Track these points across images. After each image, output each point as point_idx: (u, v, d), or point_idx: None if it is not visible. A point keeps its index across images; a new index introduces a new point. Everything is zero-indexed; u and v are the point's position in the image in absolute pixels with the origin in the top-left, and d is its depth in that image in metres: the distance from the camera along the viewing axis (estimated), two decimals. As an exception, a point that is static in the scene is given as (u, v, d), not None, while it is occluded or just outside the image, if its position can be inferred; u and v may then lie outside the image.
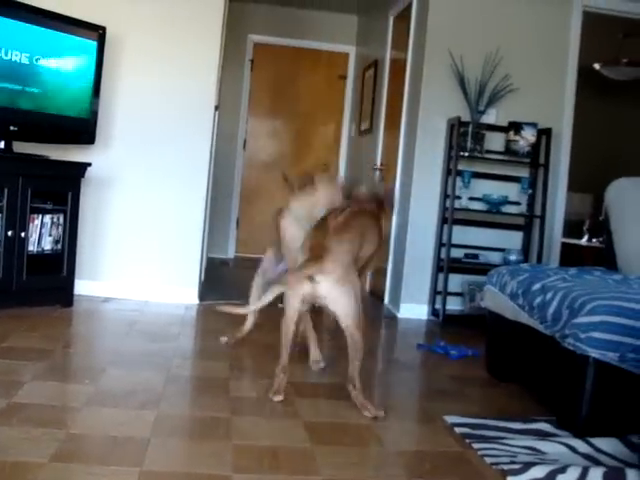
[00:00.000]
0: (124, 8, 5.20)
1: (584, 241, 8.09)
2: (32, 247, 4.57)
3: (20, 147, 4.64)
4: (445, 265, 5.40)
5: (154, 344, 3.98)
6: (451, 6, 5.60)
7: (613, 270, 3.86)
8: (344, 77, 8.72)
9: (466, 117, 5.47)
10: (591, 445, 2.81)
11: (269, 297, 3.24)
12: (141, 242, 5.13)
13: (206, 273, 5.91)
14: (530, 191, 5.64)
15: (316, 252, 3.04)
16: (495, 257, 5.55)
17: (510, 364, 3.75)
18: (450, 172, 5.46)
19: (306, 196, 3.74)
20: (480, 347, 4.12)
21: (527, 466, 2.48)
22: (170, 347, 3.93)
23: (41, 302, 4.62)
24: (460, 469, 2.55)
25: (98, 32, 4.85)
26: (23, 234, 4.45)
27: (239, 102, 8.57)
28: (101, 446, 2.46)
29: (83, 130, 4.89)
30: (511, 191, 5.65)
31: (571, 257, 6.55)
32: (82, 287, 5.05)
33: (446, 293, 5.39)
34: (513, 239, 5.72)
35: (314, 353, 3.75)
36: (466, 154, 5.43)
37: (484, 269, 4.66)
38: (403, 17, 6.29)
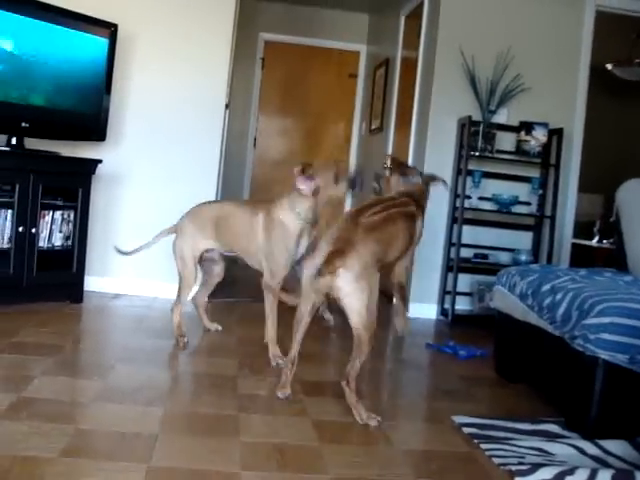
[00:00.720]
0: (136, 6, 5.22)
1: (595, 242, 8.05)
2: (42, 243, 4.59)
3: (31, 143, 4.67)
4: (455, 265, 5.39)
5: (163, 341, 3.99)
6: (463, 5, 5.59)
7: (624, 271, 3.85)
8: (355, 76, 8.71)
9: (477, 117, 5.45)
10: (600, 447, 2.80)
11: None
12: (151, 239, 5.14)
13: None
14: (541, 191, 5.63)
15: (341, 245, 2.97)
16: (505, 257, 5.53)
17: (519, 365, 3.74)
18: (460, 172, 5.45)
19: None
20: (489, 347, 4.12)
21: (535, 467, 2.48)
22: (179, 344, 3.93)
23: (51, 298, 4.64)
24: (468, 469, 2.55)
25: (110, 29, 4.87)
26: (34, 230, 4.47)
27: (250, 100, 8.57)
28: (109, 442, 2.47)
29: (94, 127, 4.91)
30: (521, 191, 5.63)
31: (581, 258, 6.52)
32: (92, 283, 5.07)
33: (455, 293, 5.38)
34: (523, 239, 5.70)
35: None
36: (477, 154, 5.42)
37: (494, 269, 4.66)
38: (414, 16, 6.28)
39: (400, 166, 3.86)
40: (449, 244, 5.51)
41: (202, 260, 4.08)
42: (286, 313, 3.81)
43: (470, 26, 5.58)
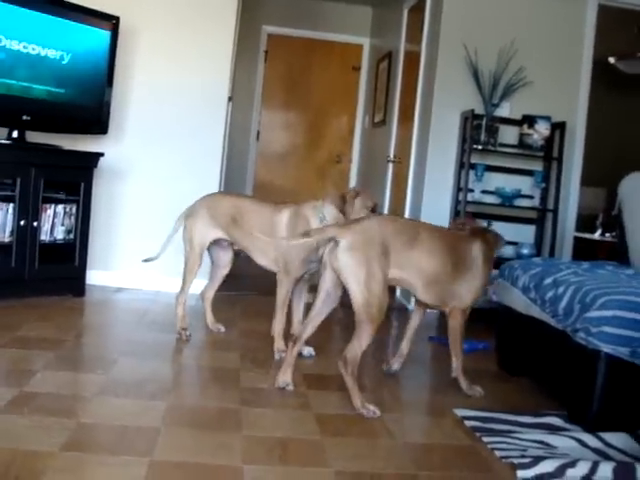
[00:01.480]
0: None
1: (597, 235, 8.03)
2: (44, 237, 4.59)
3: (33, 137, 4.67)
4: (457, 258, 5.37)
5: (165, 334, 3.99)
6: (466, -2, 5.58)
7: (626, 265, 3.84)
8: (358, 69, 8.70)
9: (480, 110, 5.44)
10: (601, 440, 2.80)
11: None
12: (153, 233, 5.12)
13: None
14: (543, 185, 5.62)
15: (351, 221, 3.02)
16: (508, 251, 5.52)
17: (521, 358, 3.74)
18: (463, 165, 5.44)
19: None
20: (491, 341, 4.12)
21: (537, 460, 2.48)
22: (182, 338, 3.93)
23: (53, 292, 4.64)
24: (469, 462, 2.55)
25: (112, 22, 4.86)
26: (35, 224, 4.47)
27: (253, 93, 8.56)
28: (112, 436, 2.47)
29: (96, 120, 4.91)
30: (524, 185, 5.62)
31: (584, 251, 6.51)
32: (94, 277, 5.08)
33: (458, 286, 5.37)
34: (526, 233, 5.69)
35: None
36: (479, 147, 5.41)
37: (497, 263, 4.64)
38: (417, 9, 6.27)
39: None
40: (452, 238, 5.50)
41: (210, 248, 4.07)
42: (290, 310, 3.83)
43: (473, 19, 5.56)
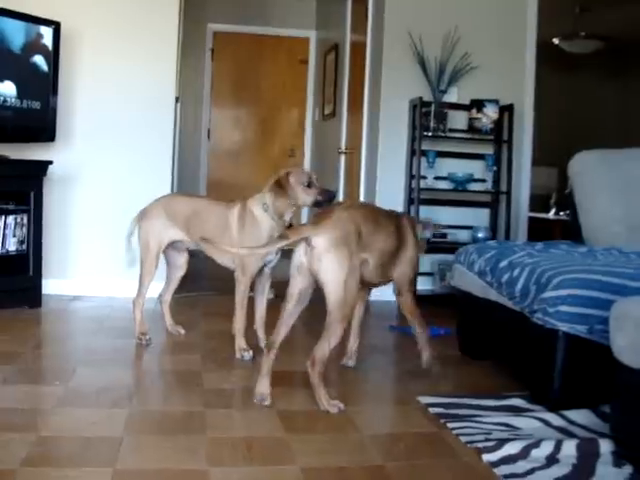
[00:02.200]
0: (79, 3, 5.14)
1: (551, 215, 8.15)
2: (-4, 249, 4.51)
3: (-22, 148, 4.58)
4: (414, 246, 5.39)
5: (125, 340, 3.94)
6: (408, -14, 5.59)
7: (579, 243, 3.89)
8: (305, 62, 8.69)
9: (428, 97, 5.47)
10: (564, 418, 2.83)
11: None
12: (107, 238, 5.08)
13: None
14: (495, 168, 5.66)
15: (318, 219, 2.94)
16: (463, 235, 5.57)
17: (482, 342, 3.77)
18: (414, 152, 5.46)
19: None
20: (452, 326, 4.13)
21: (501, 442, 2.50)
22: (142, 342, 3.89)
23: (8, 304, 4.55)
24: (435, 449, 2.56)
25: (52, 28, 4.77)
26: (-14, 236, 4.39)
27: (201, 92, 8.51)
28: (73, 447, 2.43)
29: (43, 128, 4.82)
30: (476, 169, 5.66)
31: (539, 231, 6.59)
32: (50, 286, 4.99)
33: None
34: (480, 216, 5.74)
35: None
36: (430, 134, 5.44)
37: (453, 248, 4.67)
38: (361, -1, 6.27)
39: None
40: (408, 225, 5.52)
41: (166, 250, 4.03)
42: (252, 306, 3.81)
43: (416, 7, 5.58)
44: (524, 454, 2.43)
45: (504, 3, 5.71)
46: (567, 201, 4.32)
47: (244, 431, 2.68)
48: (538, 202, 7.41)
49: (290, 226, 3.68)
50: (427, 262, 5.62)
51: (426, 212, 5.50)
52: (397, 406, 3.14)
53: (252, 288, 3.82)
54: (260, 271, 3.76)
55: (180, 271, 4.16)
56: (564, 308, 2.87)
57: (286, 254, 3.90)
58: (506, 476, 2.29)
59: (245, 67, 8.65)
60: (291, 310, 2.97)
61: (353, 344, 3.64)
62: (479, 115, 5.49)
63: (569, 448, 2.47)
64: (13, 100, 4.61)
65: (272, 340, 2.99)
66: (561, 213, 7.90)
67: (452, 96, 5.58)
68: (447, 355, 3.89)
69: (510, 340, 3.45)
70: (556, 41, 7.97)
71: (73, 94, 5.15)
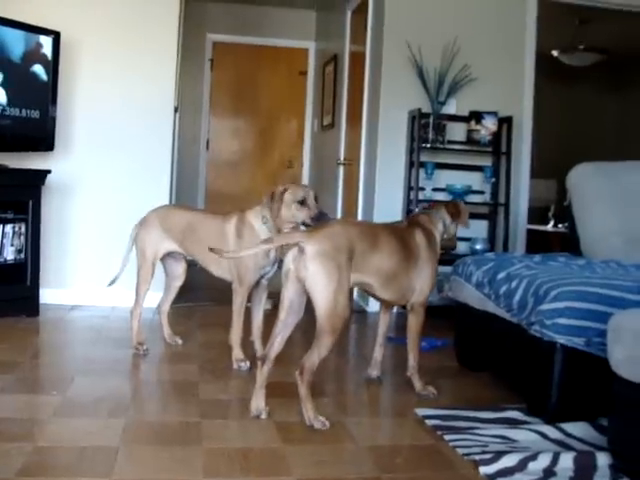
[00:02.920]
0: (78, 12, 5.15)
1: (550, 227, 8.16)
2: (-6, 258, 4.51)
3: (-23, 157, 4.58)
4: (412, 257, 5.39)
5: (122, 350, 3.94)
6: (408, -2, 5.61)
7: (577, 255, 3.89)
8: (304, 73, 8.70)
9: (427, 108, 5.48)
10: (562, 431, 2.83)
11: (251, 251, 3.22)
12: (106, 248, 5.08)
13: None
14: (493, 180, 5.67)
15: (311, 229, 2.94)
16: (461, 247, 5.56)
17: (480, 353, 3.77)
18: (413, 164, 5.47)
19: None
20: (449, 338, 4.13)
21: (498, 455, 2.49)
22: (139, 352, 3.89)
23: (6, 313, 4.55)
24: (432, 461, 2.56)
25: (52, 37, 4.78)
26: (-16, 245, 4.39)
27: (200, 102, 8.51)
28: (69, 457, 2.42)
29: (42, 137, 4.83)
30: (474, 180, 5.66)
31: (538, 243, 6.59)
32: (48, 296, 4.99)
33: (414, 285, 5.38)
34: (478, 228, 5.73)
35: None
36: (428, 145, 5.44)
37: (451, 259, 4.66)
38: (360, 11, 6.29)
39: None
40: (406, 237, 5.52)
41: (164, 260, 4.03)
42: (249, 317, 3.81)
43: (416, 18, 5.59)
44: (521, 467, 2.42)
45: (503, 15, 5.73)
46: (566, 213, 4.32)
47: (241, 442, 2.67)
48: (536, 214, 7.42)
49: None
50: (425, 273, 5.61)
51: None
52: (394, 418, 3.13)
53: (249, 299, 3.82)
54: (257, 282, 3.76)
55: (178, 281, 4.16)
56: (562, 320, 2.87)
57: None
58: (503, 489, 2.29)
59: (244, 77, 8.66)
60: (284, 321, 2.91)
61: (378, 354, 3.63)
62: (478, 127, 5.50)
63: (566, 461, 2.47)
64: (12, 109, 4.62)
65: (265, 353, 2.95)
66: (559, 225, 7.90)
67: (451, 108, 5.59)
68: (444, 366, 3.89)
69: (508, 352, 3.45)
70: (555, 53, 8.00)
71: (72, 104, 5.16)
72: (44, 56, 4.76)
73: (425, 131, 5.44)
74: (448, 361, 3.97)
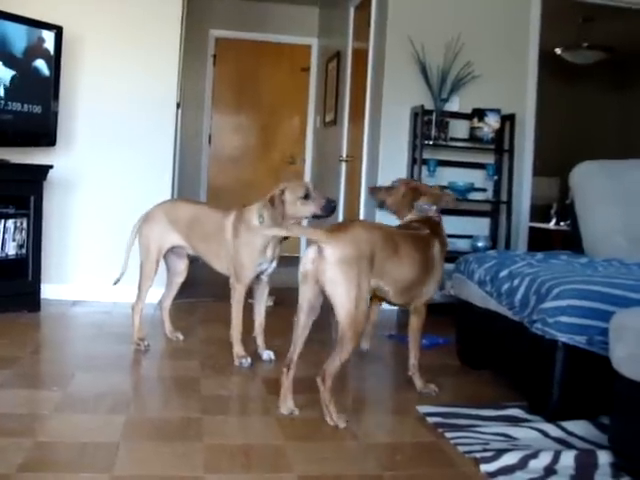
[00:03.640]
0: (81, 7, 5.14)
1: (552, 225, 8.15)
2: (-4, 253, 4.51)
3: (-21, 152, 4.58)
4: (414, 254, 5.39)
5: (124, 346, 3.93)
6: (411, -6, 5.60)
7: (579, 254, 3.88)
8: (307, 69, 8.69)
9: (429, 105, 5.47)
10: (563, 429, 2.82)
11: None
12: (108, 243, 5.08)
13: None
14: (496, 177, 5.66)
15: (334, 228, 2.85)
16: (463, 244, 5.56)
17: (481, 351, 3.76)
18: (415, 161, 5.46)
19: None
20: (451, 335, 4.13)
21: (499, 453, 2.49)
22: (140, 348, 3.88)
23: (7, 308, 4.54)
24: (433, 459, 2.56)
25: (54, 32, 4.78)
26: (-14, 240, 4.39)
27: (203, 98, 8.50)
28: (70, 453, 2.42)
29: (43, 132, 4.82)
30: (477, 178, 5.66)
31: (540, 241, 6.59)
32: (49, 291, 4.98)
33: (416, 282, 5.38)
34: (480, 226, 5.73)
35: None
36: (431, 142, 5.43)
37: (453, 257, 4.66)
38: (363, 7, 6.28)
39: (414, 190, 3.56)
40: (408, 234, 5.51)
41: (166, 255, 4.03)
42: (251, 313, 3.81)
43: (419, 15, 5.58)
44: (522, 465, 2.42)
45: (507, 12, 5.71)
46: (568, 211, 4.32)
47: (242, 438, 2.67)
48: (538, 212, 7.42)
49: (285, 238, 3.67)
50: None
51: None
52: (396, 415, 3.13)
53: (251, 295, 3.82)
54: (258, 279, 3.76)
55: (180, 277, 4.15)
56: (564, 319, 2.87)
57: (284, 262, 3.91)
58: (504, 487, 2.29)
59: (247, 73, 8.65)
60: (304, 321, 2.88)
61: (364, 345, 3.64)
62: (480, 124, 5.49)
63: (567, 459, 2.47)
64: (14, 104, 4.61)
65: (289, 358, 2.91)
66: (561, 223, 7.90)
67: (454, 105, 5.58)
68: (446, 364, 3.89)
69: (509, 350, 3.44)
70: (559, 51, 7.98)
71: (74, 99, 5.15)
72: (46, 51, 4.76)
73: (428, 128, 5.43)
74: (449, 359, 3.96)
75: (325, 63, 7.96)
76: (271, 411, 2.94)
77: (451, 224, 5.58)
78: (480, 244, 5.43)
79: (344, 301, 2.74)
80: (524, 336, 3.10)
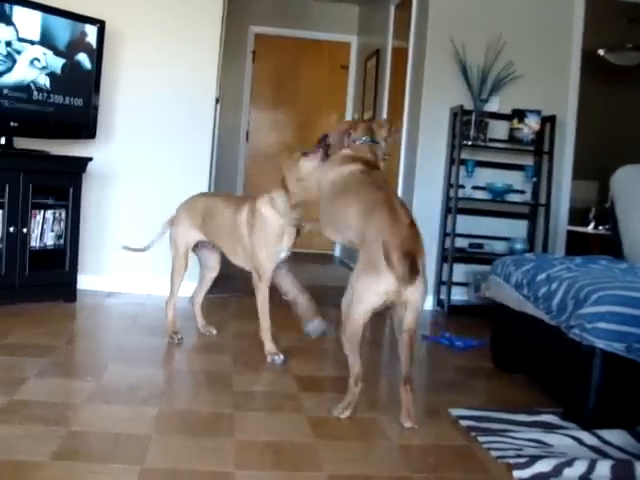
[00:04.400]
0: (123, 1, 5.18)
1: (590, 229, 8.03)
2: (34, 243, 4.56)
3: (21, 143, 4.62)
4: (450, 255, 5.36)
5: (157, 338, 3.96)
6: (453, -7, 5.56)
7: (619, 259, 3.82)
8: (346, 67, 8.67)
9: (469, 105, 5.42)
10: (598, 437, 2.77)
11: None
12: (143, 236, 5.08)
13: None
14: (535, 179, 5.60)
15: (410, 249, 2.68)
16: (500, 246, 5.51)
17: (516, 355, 3.72)
18: (453, 161, 5.41)
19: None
20: (485, 338, 4.08)
21: (533, 459, 2.45)
22: (173, 341, 3.90)
23: (44, 298, 4.60)
24: (465, 463, 2.53)
25: (97, 26, 4.82)
26: (25, 230, 4.44)
27: (241, 94, 8.53)
28: (102, 443, 2.44)
29: (84, 125, 4.87)
30: (515, 179, 5.60)
31: (577, 245, 6.50)
32: (85, 282, 5.03)
33: (451, 283, 5.35)
34: (518, 228, 5.67)
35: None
36: (469, 143, 5.39)
37: (489, 259, 4.63)
38: (404, 5, 6.24)
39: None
40: (444, 234, 5.49)
41: (198, 250, 4.04)
42: (282, 310, 3.80)
43: (460, 14, 5.54)
44: (556, 473, 2.38)
45: (549, 12, 5.64)
46: (607, 215, 4.25)
47: (272, 435, 2.66)
48: (577, 215, 7.31)
49: (298, 232, 3.66)
50: (462, 272, 5.57)
51: (463, 221, 5.45)
52: (428, 417, 3.09)
53: (283, 293, 3.79)
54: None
55: (213, 272, 4.15)
56: (602, 325, 2.82)
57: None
58: (537, 494, 2.25)
59: (285, 70, 8.66)
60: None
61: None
62: (520, 125, 5.43)
63: (603, 469, 2.42)
64: (56, 97, 4.66)
65: (358, 373, 2.86)
66: (600, 227, 7.78)
67: (493, 105, 5.52)
68: (479, 367, 3.85)
69: (545, 355, 3.40)
70: (602, 52, 7.87)
71: (115, 92, 5.19)
72: (89, 45, 4.80)
73: (467, 128, 5.38)
74: (483, 361, 3.92)
75: (364, 61, 7.93)
76: (302, 408, 2.94)
77: (488, 225, 5.59)
78: (517, 246, 5.38)
79: (419, 312, 2.83)
80: (561, 341, 3.06)
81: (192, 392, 3.24)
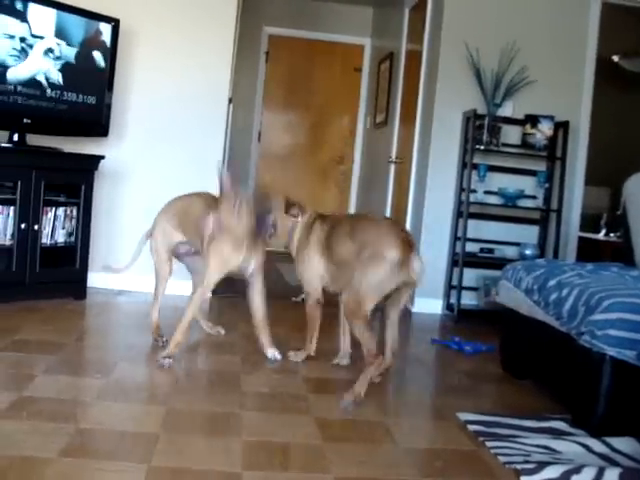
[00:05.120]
0: (137, 1, 5.19)
1: (602, 235, 8.00)
2: (45, 240, 4.57)
3: (34, 140, 4.64)
4: (460, 259, 5.35)
5: (166, 337, 3.95)
6: (467, -3, 5.55)
7: (631, 266, 3.80)
8: (359, 69, 8.67)
9: (482, 110, 5.41)
10: (607, 445, 2.76)
11: None
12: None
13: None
14: (547, 185, 5.58)
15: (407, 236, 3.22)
16: (511, 251, 5.49)
17: (525, 361, 3.71)
18: (466, 165, 5.41)
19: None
20: (495, 343, 4.07)
21: (541, 466, 2.44)
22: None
23: (54, 295, 4.62)
24: (472, 468, 2.52)
25: (111, 24, 4.83)
26: (36, 227, 4.45)
27: (254, 94, 8.54)
28: (110, 441, 2.44)
29: (96, 123, 4.88)
30: (527, 185, 5.59)
31: (588, 252, 6.47)
32: (96, 280, 5.04)
33: (461, 288, 5.34)
34: (529, 233, 5.65)
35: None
36: (482, 147, 5.38)
37: (500, 264, 4.61)
38: (419, 9, 6.23)
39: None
40: (454, 238, 5.48)
41: (180, 258, 3.98)
42: (293, 310, 3.80)
43: (475, 18, 5.53)
44: (564, 479, 2.37)
45: (564, 18, 5.62)
46: (619, 222, 4.23)
47: (280, 436, 2.65)
48: (588, 222, 7.29)
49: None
50: (472, 277, 5.56)
51: (474, 226, 5.45)
52: (435, 421, 3.09)
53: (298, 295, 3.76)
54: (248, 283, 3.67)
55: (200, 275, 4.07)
56: (613, 332, 2.81)
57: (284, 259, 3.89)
58: (545, 500, 2.24)
59: (299, 71, 8.67)
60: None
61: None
62: (533, 131, 5.42)
63: (612, 476, 2.40)
64: (69, 94, 4.67)
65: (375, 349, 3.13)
66: (611, 234, 7.75)
67: (507, 110, 5.51)
68: (488, 372, 3.84)
69: (554, 361, 3.39)
70: (616, 58, 7.84)
71: (128, 91, 5.21)
72: (103, 43, 4.82)
73: (479, 133, 5.37)
74: (492, 366, 3.91)
75: (378, 64, 7.92)
76: (310, 410, 2.94)
77: (499, 230, 5.58)
78: (528, 252, 5.36)
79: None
80: (571, 347, 3.04)
81: (200, 391, 3.24)
